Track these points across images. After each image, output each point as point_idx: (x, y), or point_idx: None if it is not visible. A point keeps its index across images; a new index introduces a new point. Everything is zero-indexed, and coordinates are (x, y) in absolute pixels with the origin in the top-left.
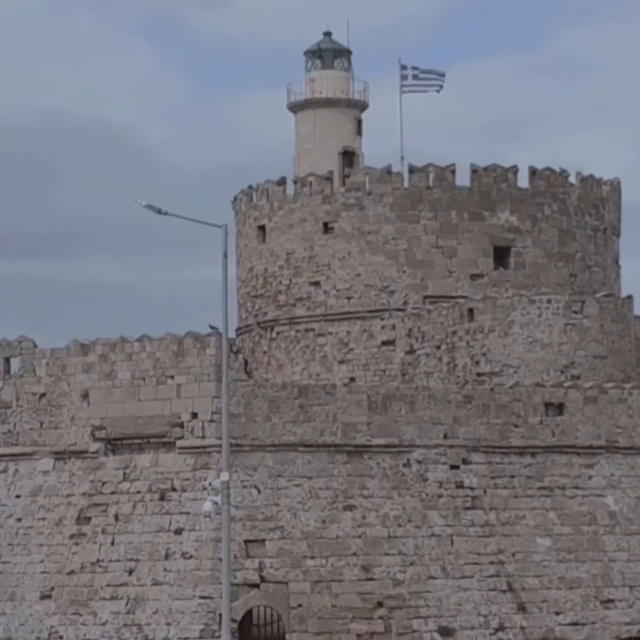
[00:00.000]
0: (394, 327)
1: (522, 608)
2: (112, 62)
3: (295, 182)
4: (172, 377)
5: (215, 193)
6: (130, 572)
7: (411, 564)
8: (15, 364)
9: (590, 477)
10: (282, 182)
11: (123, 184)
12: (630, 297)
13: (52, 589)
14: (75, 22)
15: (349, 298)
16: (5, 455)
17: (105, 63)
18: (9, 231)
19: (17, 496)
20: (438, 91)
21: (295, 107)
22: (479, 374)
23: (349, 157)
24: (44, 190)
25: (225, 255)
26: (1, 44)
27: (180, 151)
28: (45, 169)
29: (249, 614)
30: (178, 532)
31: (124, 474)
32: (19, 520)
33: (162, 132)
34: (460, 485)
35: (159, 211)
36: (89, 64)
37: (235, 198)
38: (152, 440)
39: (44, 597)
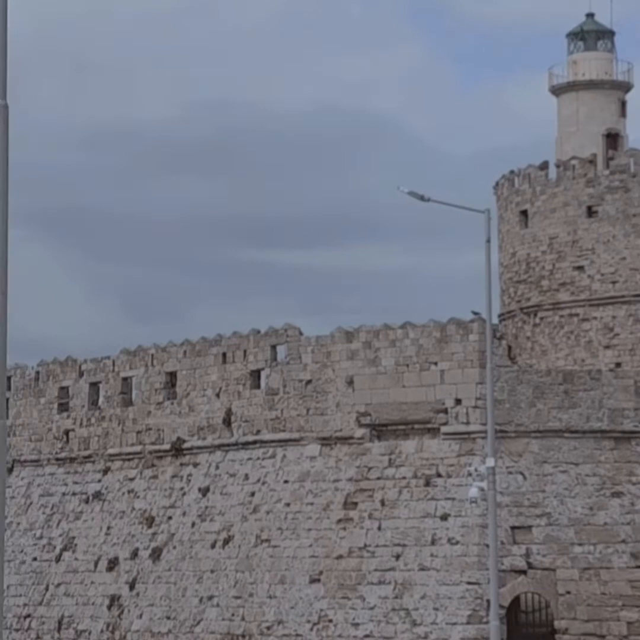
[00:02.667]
0: None
1: None
2: (381, 51)
3: (557, 166)
4: (436, 363)
5: (477, 178)
6: (397, 557)
7: None
8: (281, 351)
9: None
10: (544, 166)
11: (390, 171)
12: None
13: (321, 573)
14: (347, 11)
15: (614, 282)
16: (273, 441)
17: (374, 52)
18: (279, 220)
19: (285, 481)
20: None
21: (558, 90)
22: None
23: (612, 139)
24: (312, 178)
25: (488, 241)
26: (282, 38)
27: (445, 137)
28: (315, 157)
29: (516, 600)
30: (444, 517)
31: (389, 459)
32: (287, 505)
33: (429, 119)
34: None
35: (422, 198)
36: (358, 54)
37: (497, 183)
38: (416, 426)
39: (313, 580)
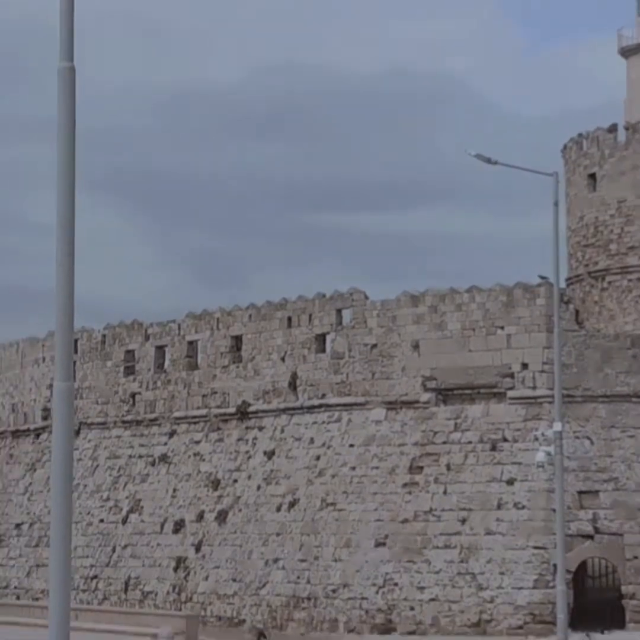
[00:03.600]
0: None
1: None
2: (453, 13)
3: (626, 129)
4: (502, 328)
5: (546, 141)
6: (463, 521)
7: None
8: (347, 315)
9: None
10: (613, 129)
11: (459, 133)
12: None
13: (387, 536)
14: None
15: None
16: (338, 405)
17: (446, 14)
18: (348, 183)
19: (351, 445)
20: None
21: (627, 52)
22: None
23: None
24: (382, 142)
25: (556, 204)
26: (354, 0)
27: (514, 99)
28: (385, 120)
29: (582, 565)
30: (510, 482)
31: (455, 424)
32: (353, 468)
33: (498, 81)
34: None
35: (489, 160)
36: (430, 16)
37: (565, 146)
38: (482, 390)
39: (378, 544)
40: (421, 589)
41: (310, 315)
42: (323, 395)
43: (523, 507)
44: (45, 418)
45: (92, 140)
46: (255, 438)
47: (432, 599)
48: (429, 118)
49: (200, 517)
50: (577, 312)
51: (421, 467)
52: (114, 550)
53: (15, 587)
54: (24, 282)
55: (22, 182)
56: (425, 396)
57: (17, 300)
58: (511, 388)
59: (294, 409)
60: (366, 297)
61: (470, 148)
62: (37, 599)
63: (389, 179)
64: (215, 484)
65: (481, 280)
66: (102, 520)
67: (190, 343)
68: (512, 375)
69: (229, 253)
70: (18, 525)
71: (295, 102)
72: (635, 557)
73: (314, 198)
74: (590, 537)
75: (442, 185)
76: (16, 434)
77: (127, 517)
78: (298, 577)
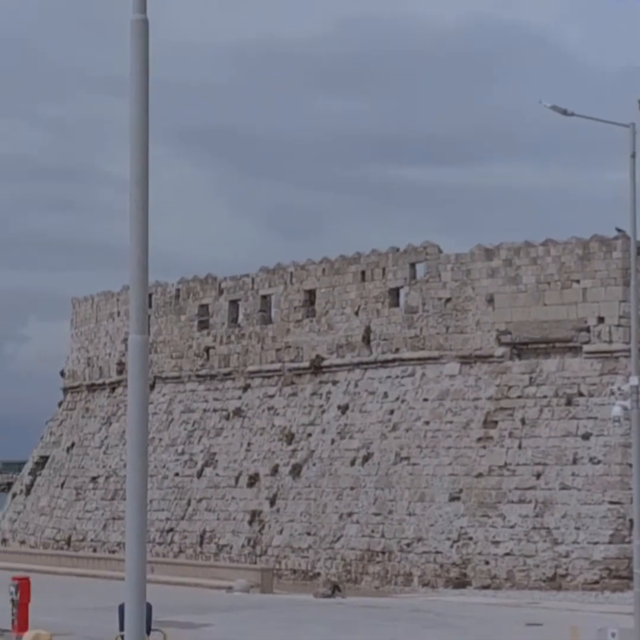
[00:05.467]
0: None
1: None
2: None
3: None
4: (578, 281)
5: (623, 92)
6: (538, 476)
7: None
8: (420, 269)
9: None
10: None
11: (537, 85)
12: None
13: (461, 491)
14: None
15: None
16: (412, 359)
17: None
18: (424, 137)
19: (425, 399)
20: None
21: None
22: None
23: None
24: (459, 95)
25: (633, 156)
26: None
27: (595, 51)
28: (464, 73)
29: None
30: (585, 437)
31: (530, 378)
32: (427, 423)
33: (580, 32)
34: None
35: (565, 112)
36: None
37: None
38: (557, 345)
39: (452, 498)
40: (496, 543)
41: (383, 269)
42: (397, 350)
43: (599, 462)
44: (120, 372)
45: (172, 94)
46: (329, 392)
47: (507, 554)
48: (508, 71)
49: (275, 471)
50: None
51: (495, 422)
52: (189, 503)
53: (92, 540)
54: (100, 236)
55: (101, 136)
56: (500, 350)
57: (93, 255)
58: (587, 342)
59: (367, 363)
60: (440, 251)
61: (546, 99)
62: (113, 552)
63: (465, 133)
64: (289, 438)
65: (557, 234)
66: (177, 474)
67: (264, 297)
68: (587, 329)
69: (304, 206)
70: (94, 479)
71: (373, 56)
72: None
73: (391, 152)
74: None
75: (519, 138)
76: (91, 388)
77: (202, 470)
78: (372, 531)
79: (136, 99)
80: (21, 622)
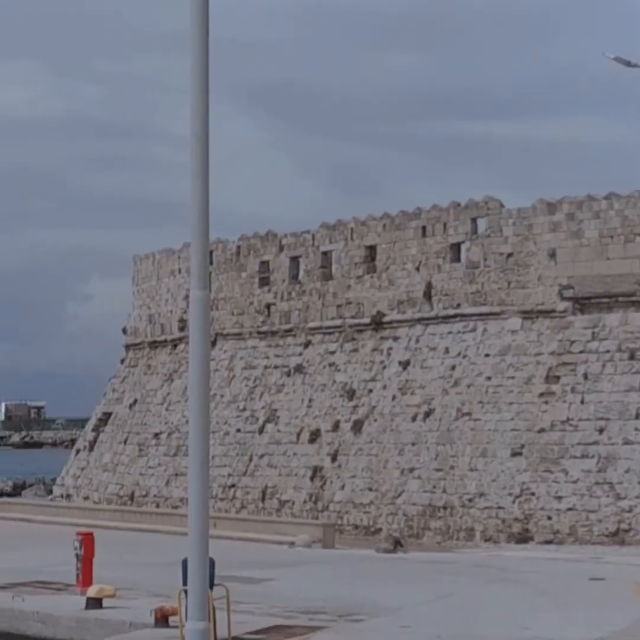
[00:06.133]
0: None
1: None
2: None
3: None
4: None
5: None
6: (600, 431)
7: None
8: (482, 224)
9: None
10: None
11: (601, 38)
12: None
13: (523, 446)
14: None
15: None
16: (473, 315)
17: None
18: (485, 92)
19: (486, 355)
20: None
21: None
22: None
23: None
24: (521, 49)
25: None
26: None
27: None
28: (523, 25)
29: None
30: None
31: (593, 333)
32: (488, 378)
33: None
34: None
35: (628, 64)
36: None
37: None
38: (620, 299)
39: (514, 454)
40: (558, 498)
41: (444, 225)
42: (458, 305)
43: None
44: (181, 329)
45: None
46: (390, 348)
47: (570, 508)
48: (570, 23)
49: (336, 426)
50: None
51: (558, 377)
52: (250, 459)
53: (155, 496)
54: (160, 194)
55: (159, 93)
56: (562, 305)
57: (154, 212)
58: None
59: (428, 319)
60: (501, 205)
61: (610, 52)
62: (175, 507)
63: (527, 87)
64: (351, 394)
65: (620, 187)
66: (238, 430)
67: (325, 253)
68: None
69: (364, 163)
70: (156, 435)
71: (433, 12)
72: None
73: (450, 107)
74: None
75: (582, 92)
76: (153, 344)
77: (263, 426)
78: (434, 487)
79: (196, 55)
80: (85, 577)
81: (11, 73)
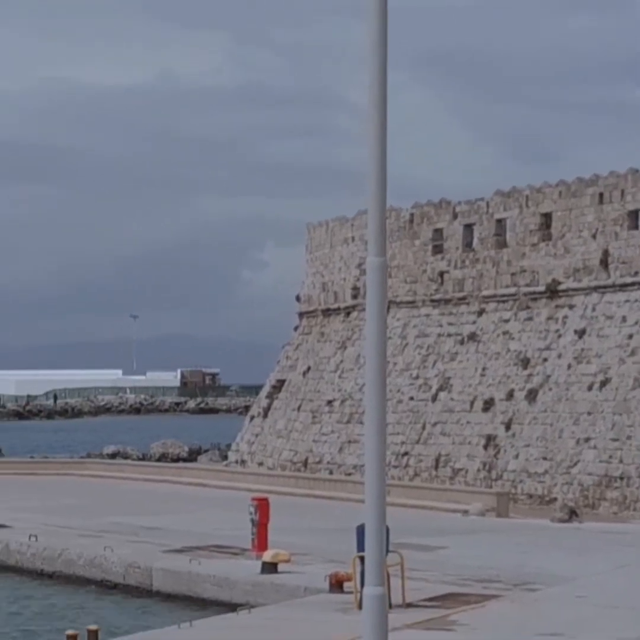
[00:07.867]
0: None
1: None
2: None
3: None
4: None
5: None
6: None
7: None
8: None
9: None
10: None
11: None
12: None
13: None
14: None
15: None
16: None
17: None
18: None
19: None
20: None
21: None
22: None
23: None
24: None
25: None
26: None
27: None
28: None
29: None
30: None
31: None
32: None
33: None
34: None
35: None
36: None
37: None
38: None
39: None
40: None
41: (622, 191)
42: (636, 273)
43: None
44: (354, 297)
45: (411, 20)
46: (565, 317)
47: None
48: None
49: (510, 395)
50: None
51: None
52: (423, 427)
53: (328, 462)
54: (334, 162)
55: (336, 61)
56: None
57: (327, 181)
58: None
59: (605, 287)
60: None
61: None
62: (349, 474)
63: None
64: (525, 362)
65: None
66: (411, 398)
67: (499, 221)
68: None
69: (542, 130)
70: (330, 402)
71: None
72: None
73: (631, 72)
74: None
75: None
76: (326, 312)
77: (436, 395)
78: (610, 457)
79: (374, 23)
80: (260, 542)
81: (197, 42)
